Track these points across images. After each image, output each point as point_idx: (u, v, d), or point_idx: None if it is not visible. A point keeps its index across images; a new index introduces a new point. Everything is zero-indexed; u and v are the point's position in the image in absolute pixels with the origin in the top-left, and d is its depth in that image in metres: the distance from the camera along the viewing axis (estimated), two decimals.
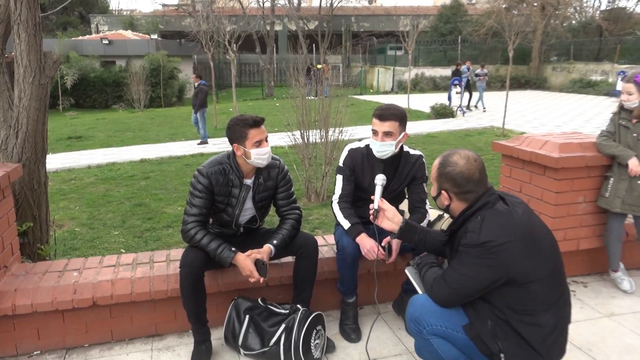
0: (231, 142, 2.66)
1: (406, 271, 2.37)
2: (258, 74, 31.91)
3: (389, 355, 2.73)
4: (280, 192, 2.84)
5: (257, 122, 2.61)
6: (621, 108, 3.36)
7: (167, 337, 2.94)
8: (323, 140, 6.55)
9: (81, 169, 9.56)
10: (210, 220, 2.82)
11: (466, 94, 17.05)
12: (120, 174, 8.82)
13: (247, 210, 2.79)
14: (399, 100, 18.71)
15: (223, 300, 2.89)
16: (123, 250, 5.01)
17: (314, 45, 29.07)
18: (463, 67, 16.92)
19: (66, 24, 35.87)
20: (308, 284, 2.80)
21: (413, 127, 12.79)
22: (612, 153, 3.31)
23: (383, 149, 2.76)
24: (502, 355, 1.96)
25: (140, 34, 29.52)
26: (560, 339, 1.99)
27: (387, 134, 2.72)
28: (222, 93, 27.16)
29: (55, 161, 10.06)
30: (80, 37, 27.90)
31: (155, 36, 29.99)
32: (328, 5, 31.11)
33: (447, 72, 26.98)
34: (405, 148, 2.91)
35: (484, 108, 16.92)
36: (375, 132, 2.76)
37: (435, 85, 26.68)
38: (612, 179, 3.33)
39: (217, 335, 2.82)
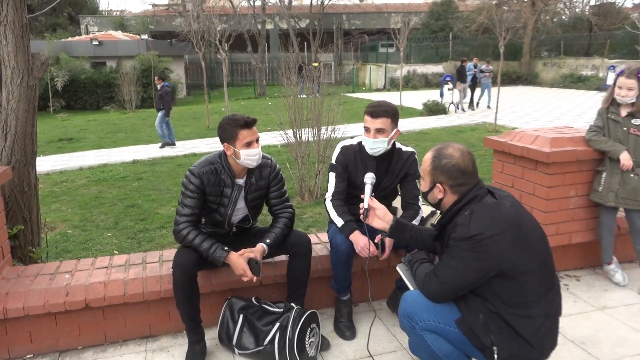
0: (222, 141, 2.65)
1: (397, 268, 2.37)
2: (250, 73, 31.84)
3: (384, 351, 2.73)
4: (273, 192, 2.83)
5: (248, 123, 2.60)
6: (610, 103, 3.35)
7: (161, 338, 2.92)
8: (316, 138, 6.54)
9: (73, 170, 9.49)
10: (203, 220, 2.81)
11: (469, 91, 16.65)
12: (112, 175, 8.77)
13: (240, 210, 2.78)
14: (391, 98, 18.70)
15: (217, 300, 2.88)
16: (116, 252, 4.98)
17: (305, 43, 29.05)
18: (469, 64, 16.38)
19: (55, 25, 35.61)
20: (302, 282, 2.80)
21: (405, 124, 12.81)
22: (603, 148, 3.32)
23: (375, 145, 2.76)
24: (494, 348, 1.97)
25: (131, 35, 29.35)
26: (552, 330, 2.01)
27: (380, 131, 2.72)
28: (214, 93, 27.07)
29: (46, 163, 9.99)
30: (69, 38, 27.69)
31: (145, 36, 29.82)
32: (319, 3, 31.05)
33: (439, 68, 27.10)
34: (398, 145, 2.91)
35: (489, 105, 16.28)
36: (367, 129, 2.76)
37: (427, 82, 26.74)
38: (604, 174, 3.34)
39: (211, 335, 2.81)
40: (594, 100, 18.01)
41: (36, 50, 3.40)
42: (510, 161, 3.65)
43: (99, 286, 2.75)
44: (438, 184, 2.08)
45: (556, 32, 27.82)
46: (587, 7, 31.54)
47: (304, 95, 7.37)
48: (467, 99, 16.63)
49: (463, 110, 16.04)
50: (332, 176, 2.93)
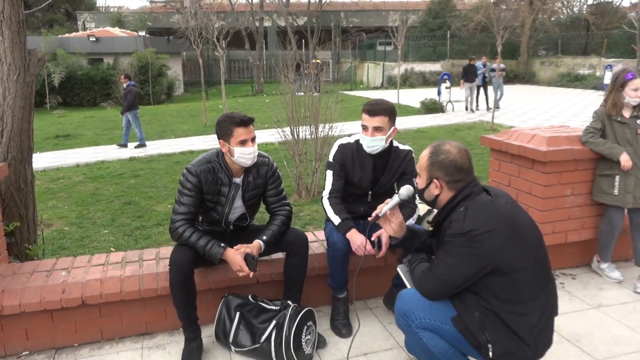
0: (218, 138, 2.65)
1: (398, 269, 2.37)
2: (247, 70, 31.79)
3: (380, 349, 2.74)
4: (270, 190, 2.83)
5: (244, 122, 2.59)
6: (615, 104, 3.33)
7: (158, 335, 2.92)
8: (313, 136, 6.54)
9: (69, 167, 9.47)
10: (200, 218, 2.80)
11: (478, 92, 15.74)
12: (109, 172, 8.75)
13: (237, 209, 2.78)
14: (389, 96, 18.72)
15: (213, 297, 2.88)
16: (113, 249, 4.97)
17: (303, 41, 28.99)
18: (478, 64, 15.49)
19: (52, 22, 35.44)
20: (299, 280, 2.80)
21: (403, 122, 12.82)
22: (601, 151, 3.32)
23: (373, 144, 2.76)
24: (489, 345, 1.98)
25: (128, 31, 29.24)
26: (547, 328, 2.02)
27: (377, 129, 2.73)
28: (212, 90, 27.00)
29: (43, 160, 9.96)
30: (66, 35, 27.58)
31: (143, 33, 29.73)
32: (317, 1, 30.99)
33: (436, 67, 27.11)
34: (395, 143, 2.91)
35: (498, 106, 15.04)
36: (365, 128, 2.76)
37: (425, 81, 26.75)
38: (617, 177, 3.32)
39: (207, 333, 2.82)
40: (591, 100, 18.05)
41: (33, 47, 3.39)
42: (507, 160, 3.66)
43: (95, 283, 2.75)
44: (435, 180, 2.09)
45: (554, 31, 27.88)
46: (585, 6, 31.61)
47: (302, 93, 7.37)
48: (474, 99, 15.55)
49: (472, 110, 15.32)
50: (329, 174, 2.93)
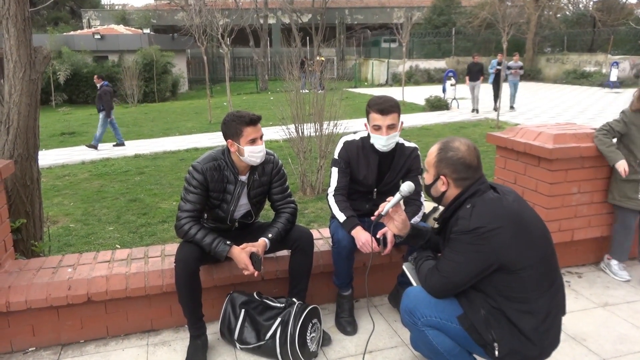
0: (225, 137, 2.64)
1: (404, 267, 2.37)
2: (252, 67, 31.80)
3: (385, 347, 2.74)
4: (275, 187, 2.83)
5: (253, 121, 2.59)
6: None
7: (163, 332, 2.93)
8: (318, 133, 6.53)
9: (75, 164, 9.51)
10: (205, 215, 2.81)
11: (480, 91, 14.98)
12: (114, 169, 8.78)
13: (242, 206, 2.78)
14: (394, 93, 18.67)
15: (218, 294, 2.88)
16: (118, 246, 4.99)
17: (307, 38, 28.97)
18: (493, 62, 14.82)
19: (57, 19, 35.57)
20: (303, 277, 2.80)
21: (408, 120, 12.79)
22: (603, 151, 3.30)
23: (389, 142, 2.77)
24: (495, 344, 1.97)
25: (133, 29, 29.31)
26: (554, 327, 2.00)
27: (391, 127, 2.73)
28: (216, 87, 27.04)
29: (48, 157, 10.01)
30: (71, 32, 27.67)
31: (147, 31, 29.80)
32: None
33: (441, 64, 27.03)
34: (400, 140, 2.90)
35: (512, 106, 14.92)
36: (378, 127, 2.74)
37: (430, 78, 26.69)
38: None
39: (213, 330, 2.82)
40: (597, 97, 17.96)
41: (38, 44, 3.39)
42: (513, 157, 3.64)
43: (101, 280, 2.76)
44: (442, 176, 2.08)
45: (559, 28, 27.74)
46: (591, 3, 31.39)
47: (306, 90, 7.36)
48: (479, 98, 14.78)
49: (477, 110, 14.68)
50: (334, 171, 2.92)
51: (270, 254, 2.94)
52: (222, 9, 23.58)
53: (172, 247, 3.08)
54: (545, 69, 27.13)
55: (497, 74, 14.32)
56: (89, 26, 32.07)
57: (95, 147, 11.16)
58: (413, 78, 26.11)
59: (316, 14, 30.87)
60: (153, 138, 12.35)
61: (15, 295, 2.63)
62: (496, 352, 1.97)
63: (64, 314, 2.75)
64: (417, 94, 18.83)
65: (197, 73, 31.34)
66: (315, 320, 2.68)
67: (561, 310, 2.05)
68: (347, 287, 2.94)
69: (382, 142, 2.76)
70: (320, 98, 6.61)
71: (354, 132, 2.98)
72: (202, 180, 2.61)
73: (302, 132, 6.57)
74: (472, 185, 2.04)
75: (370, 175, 2.89)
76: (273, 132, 7.82)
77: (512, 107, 14.91)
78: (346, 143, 2.92)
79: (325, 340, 2.76)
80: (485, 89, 15.48)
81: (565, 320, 2.10)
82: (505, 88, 14.35)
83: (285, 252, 2.96)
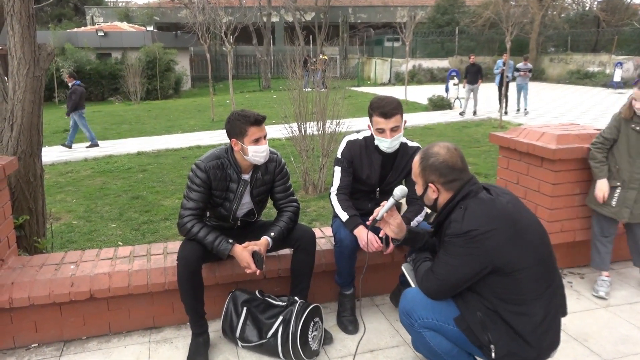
0: (229, 136, 2.65)
1: (402, 268, 2.37)
2: (255, 65, 31.79)
3: (386, 346, 2.74)
4: (278, 186, 2.83)
5: (258, 121, 2.60)
6: (635, 114, 3.12)
7: (165, 329, 2.94)
8: (320, 132, 6.53)
9: (78, 161, 9.53)
10: (208, 213, 2.81)
11: (500, 94, 13.87)
12: (117, 166, 8.80)
13: (245, 205, 2.78)
14: (397, 92, 18.68)
15: (221, 292, 2.89)
16: (120, 243, 5.00)
17: (311, 36, 28.95)
18: (498, 62, 14.36)
19: (61, 16, 35.63)
20: (306, 276, 2.81)
21: (410, 119, 12.78)
22: (592, 165, 3.24)
23: (394, 143, 2.77)
24: (492, 346, 1.97)
25: (136, 26, 29.31)
26: (552, 329, 1.99)
27: (394, 129, 2.73)
28: (219, 85, 27.04)
29: (51, 154, 10.02)
30: (75, 29, 27.69)
31: (151, 28, 29.81)
32: None
33: (444, 63, 26.98)
34: (404, 140, 2.90)
35: (526, 109, 14.27)
36: (382, 131, 2.74)
37: (433, 77, 26.64)
38: (619, 189, 3.18)
39: (214, 328, 2.83)
40: (600, 97, 17.91)
41: (41, 41, 3.40)
42: (516, 158, 3.64)
43: (103, 277, 2.77)
44: (430, 184, 2.08)
45: (563, 28, 27.64)
46: (595, 3, 31.29)
47: (309, 89, 7.36)
48: (477, 101, 14.12)
49: (474, 112, 14.06)
50: (337, 170, 2.93)
51: (273, 253, 2.94)
52: (226, 6, 23.64)
53: (175, 245, 3.08)
54: (548, 69, 27.06)
55: (502, 74, 13.80)
56: (93, 23, 32.09)
57: (95, 145, 11.16)
58: (416, 77, 26.07)
59: (319, 12, 30.85)
60: (155, 135, 12.36)
61: (18, 292, 2.64)
62: (493, 354, 1.97)
63: (67, 310, 2.77)
64: (419, 93, 18.81)
65: (200, 71, 31.35)
66: (317, 319, 2.68)
67: (561, 311, 2.05)
68: (348, 286, 2.94)
69: (387, 145, 2.76)
70: (322, 97, 6.61)
71: (357, 132, 2.98)
72: (205, 178, 2.61)
73: (305, 131, 6.57)
74: (464, 187, 2.03)
75: (373, 174, 2.89)
76: (275, 131, 7.81)
77: (518, 110, 14.31)
78: (349, 142, 2.92)
79: (327, 339, 2.76)
80: (492, 90, 15.13)
81: (567, 320, 2.10)
82: (513, 90, 13.93)
83: (287, 251, 2.97)
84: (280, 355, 2.57)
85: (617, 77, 21.04)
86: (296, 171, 6.73)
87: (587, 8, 31.49)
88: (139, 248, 3.14)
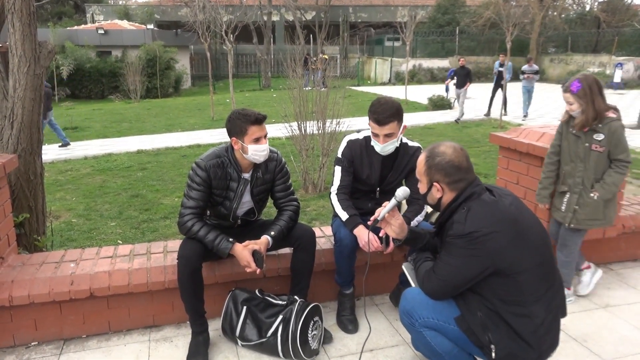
0: (230, 135, 2.65)
1: (403, 267, 2.37)
2: (255, 64, 31.77)
3: (386, 346, 2.74)
4: (278, 185, 2.83)
5: (258, 120, 2.60)
6: (570, 117, 3.04)
7: (165, 328, 2.94)
8: (320, 131, 6.53)
9: (77, 159, 9.52)
10: (208, 212, 2.81)
11: (492, 95, 13.82)
12: (116, 164, 8.80)
13: (245, 204, 2.79)
14: (397, 92, 18.69)
15: (221, 291, 2.89)
16: (120, 242, 5.00)
17: (311, 35, 28.92)
18: (496, 63, 13.89)
19: (61, 14, 35.60)
20: (305, 275, 2.81)
21: (410, 119, 12.78)
22: (541, 178, 3.21)
23: (387, 148, 2.77)
24: (492, 346, 1.97)
25: (136, 24, 29.29)
26: (552, 330, 2.00)
27: (388, 135, 2.72)
28: (219, 84, 27.03)
29: (51, 152, 10.02)
30: (75, 27, 27.67)
31: (151, 26, 29.77)
32: None
33: (444, 63, 26.97)
34: (404, 140, 2.90)
35: (525, 114, 13.36)
36: (375, 135, 2.75)
37: (433, 77, 26.63)
38: (568, 194, 3.07)
39: (214, 326, 2.83)
40: None
41: (41, 39, 3.40)
42: (516, 158, 3.64)
43: (103, 275, 2.77)
44: (435, 183, 2.08)
45: (564, 28, 27.62)
46: (596, 4, 31.29)
47: (309, 88, 7.36)
48: (463, 106, 13.20)
49: (456, 121, 12.95)
50: (337, 170, 2.93)
51: (273, 252, 2.94)
52: (226, 5, 23.61)
53: (175, 244, 3.08)
54: (549, 69, 27.06)
55: (499, 76, 13.47)
56: (93, 21, 32.04)
57: (67, 144, 10.87)
58: (416, 77, 26.06)
59: (320, 11, 30.83)
60: (155, 134, 12.35)
61: (18, 290, 2.64)
62: (493, 355, 1.98)
63: (67, 308, 2.76)
64: (420, 92, 18.80)
65: (200, 69, 31.32)
66: (316, 318, 2.68)
67: (561, 312, 2.05)
68: (348, 285, 2.95)
69: (379, 149, 2.78)
70: (323, 96, 6.61)
71: (357, 131, 2.98)
72: (206, 177, 2.61)
73: (305, 130, 6.57)
74: (467, 187, 2.03)
75: (373, 174, 2.89)
76: (276, 130, 7.82)
77: (525, 116, 13.41)
78: (350, 142, 2.92)
79: (327, 338, 2.77)
80: (486, 92, 15.03)
81: (566, 321, 2.10)
82: (518, 93, 13.45)
83: (287, 250, 2.97)
84: (280, 354, 2.57)
85: (617, 78, 21.04)
86: (296, 170, 6.73)
87: (587, 9, 31.50)
88: (139, 246, 3.14)
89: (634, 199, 4.11)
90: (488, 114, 13.77)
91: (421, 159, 2.13)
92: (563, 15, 29.55)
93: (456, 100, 13.33)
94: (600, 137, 2.88)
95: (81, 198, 6.72)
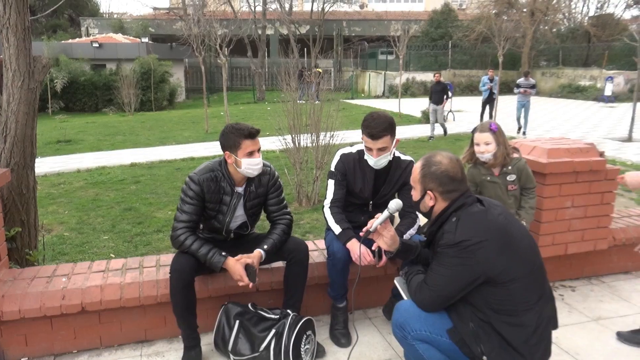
0: (223, 149, 2.66)
1: (395, 281, 2.38)
2: (249, 77, 31.90)
3: (379, 359, 2.74)
4: (271, 198, 2.84)
5: (252, 134, 2.62)
6: (475, 163, 3.11)
7: (157, 342, 2.92)
8: (314, 144, 6.56)
9: (70, 172, 9.48)
10: (201, 226, 2.82)
11: (483, 110, 13.54)
12: (110, 178, 8.76)
13: (238, 217, 2.79)
14: (390, 105, 18.81)
15: (213, 305, 2.88)
16: (113, 255, 4.97)
17: (305, 49, 29.13)
18: (484, 78, 13.36)
19: (56, 27, 35.62)
20: (298, 289, 2.81)
21: (404, 132, 12.85)
22: None
23: (380, 162, 2.80)
24: (484, 357, 1.98)
25: (131, 38, 29.39)
26: (544, 340, 2.01)
27: (382, 149, 2.75)
28: (214, 97, 27.10)
29: (44, 165, 9.97)
30: (70, 40, 27.71)
31: (145, 39, 29.88)
32: (320, 9, 31.21)
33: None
34: (397, 153, 2.93)
35: (525, 132, 12.57)
36: (369, 149, 2.77)
37: (426, 90, 26.69)
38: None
39: (207, 341, 2.81)
40: (591, 111, 18.10)
41: (36, 52, 3.41)
42: None
43: (95, 290, 2.76)
44: (429, 192, 2.11)
45: (555, 43, 27.98)
46: (586, 18, 31.76)
47: (303, 101, 7.40)
48: (439, 123, 12.47)
49: (430, 137, 12.22)
50: (330, 183, 2.94)
51: (266, 265, 2.94)
52: (221, 19, 23.77)
53: (167, 257, 3.08)
54: (540, 82, 27.29)
55: (490, 91, 13.05)
56: (88, 34, 32.13)
57: None
58: (409, 90, 26.24)
59: (314, 25, 31.09)
60: (149, 147, 12.33)
61: (9, 305, 2.63)
62: None
63: (58, 323, 2.75)
64: (413, 106, 18.93)
65: (195, 82, 31.41)
66: (309, 332, 2.68)
67: (552, 323, 2.06)
68: (341, 299, 2.94)
69: (372, 163, 2.80)
70: (317, 109, 6.64)
71: (351, 145, 3.01)
72: (199, 191, 2.62)
73: (299, 143, 6.59)
74: (459, 198, 2.06)
75: (366, 187, 2.91)
76: (270, 143, 7.84)
77: (520, 129, 12.73)
78: (343, 155, 2.94)
79: (319, 352, 2.76)
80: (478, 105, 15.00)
81: (558, 333, 2.11)
82: (509, 106, 13.25)
83: (280, 264, 2.97)
84: None
85: (607, 92, 21.29)
86: (290, 183, 6.73)
87: (578, 23, 31.94)
88: (131, 260, 3.13)
89: (625, 211, 4.16)
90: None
91: (417, 167, 2.16)
92: (554, 30, 29.95)
93: (435, 118, 12.44)
94: (512, 177, 3.07)
95: (74, 211, 6.68)
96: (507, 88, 25.61)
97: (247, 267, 2.57)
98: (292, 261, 2.78)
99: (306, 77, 10.37)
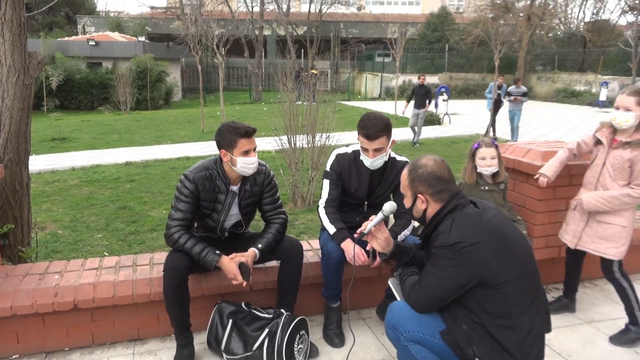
0: (219, 147, 2.66)
1: (389, 282, 2.38)
2: (246, 78, 31.91)
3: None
4: (266, 198, 2.84)
5: (248, 133, 2.62)
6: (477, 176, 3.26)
7: (150, 341, 2.91)
8: (310, 145, 6.56)
9: (65, 170, 9.44)
10: (195, 224, 2.81)
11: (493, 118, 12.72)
12: (104, 176, 8.73)
13: (233, 216, 2.79)
14: (386, 107, 18.84)
15: (206, 304, 2.87)
16: (106, 254, 4.95)
17: (302, 50, 29.15)
18: (490, 85, 12.84)
19: (52, 24, 35.50)
20: (292, 288, 2.80)
21: (400, 134, 12.86)
22: None
23: (376, 163, 2.80)
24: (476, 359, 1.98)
25: (128, 36, 29.33)
26: (537, 343, 2.01)
27: (378, 150, 2.75)
28: (210, 97, 27.04)
29: (38, 162, 9.92)
30: (66, 38, 27.63)
31: (142, 38, 29.82)
32: (317, 11, 31.24)
33: (434, 79, 27.23)
34: (392, 154, 2.93)
35: (515, 139, 12.14)
36: (365, 150, 2.78)
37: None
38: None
39: (200, 340, 2.81)
40: (586, 115, 18.19)
41: (31, 49, 3.40)
42: None
43: (88, 287, 2.74)
44: (419, 195, 2.11)
45: (551, 47, 28.12)
46: (582, 23, 31.97)
47: (299, 102, 7.40)
48: (420, 130, 11.94)
49: (416, 142, 11.80)
50: (326, 183, 2.94)
51: (260, 265, 2.94)
52: (218, 19, 23.75)
53: (161, 256, 3.07)
54: (536, 87, 27.46)
55: (497, 99, 12.49)
56: (84, 32, 32.02)
57: None
58: (406, 92, 26.23)
59: (311, 26, 31.12)
60: (145, 146, 12.30)
61: (1, 301, 2.61)
62: None
63: (50, 321, 2.73)
64: (409, 108, 18.93)
65: (191, 82, 31.36)
66: (302, 332, 2.67)
67: (545, 326, 2.07)
68: (335, 299, 2.94)
69: (368, 163, 2.80)
70: (313, 110, 6.64)
71: (347, 145, 3.01)
72: (194, 189, 2.61)
73: (295, 144, 6.59)
74: (452, 199, 2.07)
75: (361, 188, 2.91)
76: (265, 143, 7.83)
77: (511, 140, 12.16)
78: (338, 156, 2.94)
79: (313, 352, 2.75)
80: (482, 109, 14.33)
81: (551, 336, 2.12)
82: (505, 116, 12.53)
83: (274, 263, 2.97)
84: None
85: (602, 97, 21.43)
86: (285, 183, 6.73)
87: (574, 28, 32.12)
88: (125, 258, 3.12)
89: None
90: (494, 136, 12.47)
91: (404, 174, 2.17)
92: (550, 34, 30.09)
93: (415, 121, 11.91)
94: (502, 186, 3.30)
95: (68, 209, 6.65)
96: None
97: (241, 266, 2.56)
98: (286, 261, 2.77)
99: (303, 78, 10.39)
